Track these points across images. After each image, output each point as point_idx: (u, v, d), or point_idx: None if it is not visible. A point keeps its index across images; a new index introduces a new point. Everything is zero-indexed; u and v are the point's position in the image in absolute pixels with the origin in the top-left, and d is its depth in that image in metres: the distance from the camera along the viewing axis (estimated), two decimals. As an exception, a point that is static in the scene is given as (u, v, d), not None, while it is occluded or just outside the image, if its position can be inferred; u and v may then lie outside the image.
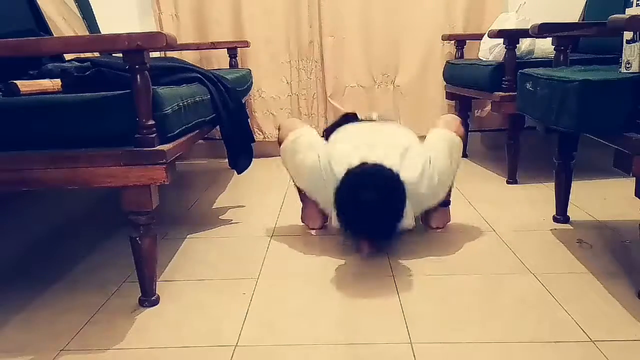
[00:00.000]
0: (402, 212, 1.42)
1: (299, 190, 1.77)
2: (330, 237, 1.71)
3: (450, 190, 1.72)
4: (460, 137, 1.63)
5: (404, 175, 1.44)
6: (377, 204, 1.37)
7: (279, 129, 1.75)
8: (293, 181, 1.73)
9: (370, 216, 1.39)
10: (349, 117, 1.92)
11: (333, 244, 1.65)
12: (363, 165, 1.43)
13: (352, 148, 1.52)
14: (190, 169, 2.84)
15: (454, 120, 1.68)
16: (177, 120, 1.35)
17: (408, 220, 1.51)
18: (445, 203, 1.74)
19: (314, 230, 1.78)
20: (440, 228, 1.75)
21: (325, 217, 1.78)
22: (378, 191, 1.38)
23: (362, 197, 1.38)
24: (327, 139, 1.69)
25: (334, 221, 1.54)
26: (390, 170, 1.42)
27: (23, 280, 1.50)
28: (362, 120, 1.87)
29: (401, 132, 1.68)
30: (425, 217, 1.76)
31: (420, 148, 1.57)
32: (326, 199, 1.54)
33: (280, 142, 1.71)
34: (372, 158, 1.45)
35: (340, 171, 1.46)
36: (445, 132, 1.62)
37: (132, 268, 1.30)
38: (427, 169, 1.51)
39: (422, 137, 1.65)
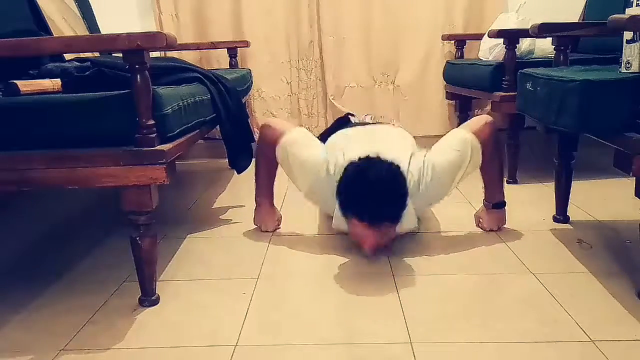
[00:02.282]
0: (405, 197, 1.43)
1: (258, 187, 1.78)
2: (330, 237, 1.71)
3: (502, 190, 1.71)
4: (482, 137, 1.56)
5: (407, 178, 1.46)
6: (381, 180, 1.39)
7: (263, 128, 1.70)
8: (291, 179, 1.69)
9: (374, 192, 1.38)
10: (342, 122, 1.93)
11: (333, 244, 1.65)
12: (366, 157, 1.45)
13: (351, 158, 1.50)
14: (190, 169, 2.84)
15: (479, 120, 1.62)
16: (177, 120, 1.35)
17: (411, 221, 1.51)
18: (500, 204, 1.72)
19: (313, 230, 1.78)
20: (493, 230, 1.72)
21: (278, 219, 1.79)
22: (382, 172, 1.41)
23: (367, 173, 1.40)
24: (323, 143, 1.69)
25: (335, 221, 1.55)
26: (391, 162, 1.44)
27: (23, 280, 1.50)
28: (356, 124, 1.86)
29: (397, 138, 1.68)
30: (479, 218, 1.75)
31: (418, 153, 1.57)
32: (327, 197, 1.54)
33: (267, 142, 1.66)
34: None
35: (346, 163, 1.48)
36: (457, 132, 1.60)
37: (132, 268, 1.30)
38: (423, 173, 1.52)
39: (422, 138, 1.65)
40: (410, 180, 1.49)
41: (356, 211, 1.42)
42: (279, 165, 1.69)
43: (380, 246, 1.49)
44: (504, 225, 1.73)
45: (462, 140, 1.56)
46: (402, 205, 1.43)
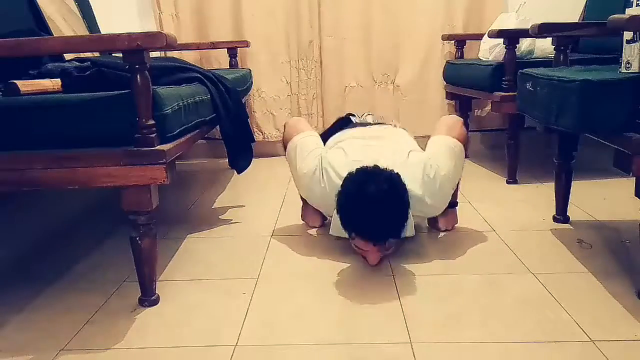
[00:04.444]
0: (407, 211, 1.40)
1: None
2: (331, 237, 1.71)
3: (456, 192, 1.72)
4: (463, 141, 1.59)
5: (408, 187, 1.44)
6: (383, 199, 1.35)
7: (284, 127, 1.75)
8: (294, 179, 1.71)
9: (376, 212, 1.35)
10: (343, 122, 1.92)
11: (333, 244, 1.65)
12: (364, 168, 1.43)
13: (351, 161, 1.50)
14: (190, 169, 2.84)
15: (456, 123, 1.64)
16: (177, 120, 1.35)
17: (409, 230, 1.51)
18: (452, 204, 1.73)
19: (315, 229, 1.79)
20: (448, 230, 1.74)
21: (324, 215, 1.79)
22: (382, 186, 1.37)
23: (367, 191, 1.35)
24: (323, 143, 1.69)
25: (332, 229, 1.54)
26: (391, 171, 1.42)
27: (23, 280, 1.50)
28: (357, 124, 1.86)
29: (399, 141, 1.68)
30: (432, 219, 1.75)
31: (418, 156, 1.55)
32: (326, 204, 1.54)
33: (284, 142, 1.71)
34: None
35: (342, 177, 1.46)
36: (446, 140, 1.58)
37: (132, 268, 1.30)
38: (428, 179, 1.49)
39: (422, 138, 1.65)
40: (413, 179, 1.47)
41: (359, 231, 1.40)
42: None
43: (381, 258, 1.48)
44: (457, 225, 1.76)
45: (460, 151, 1.58)
46: (404, 219, 1.41)
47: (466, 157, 1.64)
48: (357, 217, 1.38)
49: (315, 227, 1.80)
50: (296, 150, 1.63)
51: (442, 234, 1.73)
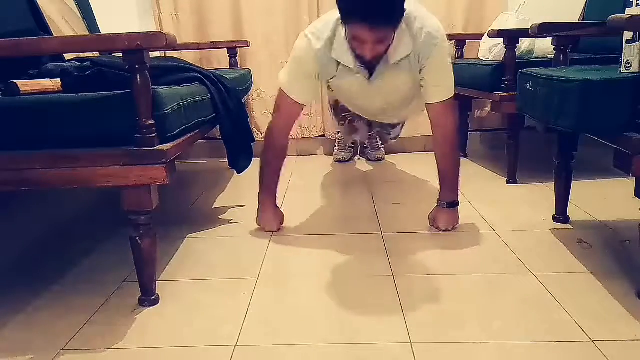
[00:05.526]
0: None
1: (262, 187, 1.80)
2: (330, 237, 1.71)
3: (457, 190, 1.74)
4: (450, 109, 1.71)
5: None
6: None
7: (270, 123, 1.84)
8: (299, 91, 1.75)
9: None
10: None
11: (333, 244, 1.65)
12: None
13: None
14: (190, 169, 2.84)
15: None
16: (177, 120, 1.35)
17: (404, 47, 1.60)
18: (454, 204, 1.74)
19: (314, 230, 1.79)
20: (448, 230, 1.74)
21: (281, 219, 1.81)
22: None
23: None
24: None
25: (334, 52, 1.61)
26: None
27: (23, 280, 1.50)
28: None
29: None
30: (433, 219, 1.76)
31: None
32: (323, 67, 1.64)
33: (272, 127, 1.82)
34: None
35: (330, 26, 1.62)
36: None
37: (132, 268, 1.30)
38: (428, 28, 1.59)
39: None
40: (413, 19, 1.57)
41: (355, 11, 1.46)
42: (284, 159, 1.78)
43: (379, 53, 1.56)
44: (458, 225, 1.76)
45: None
46: (399, 3, 1.46)
47: (465, 156, 1.66)
48: None
49: (272, 231, 1.77)
50: (286, 68, 1.74)
51: (442, 233, 1.73)
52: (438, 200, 1.76)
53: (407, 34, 1.58)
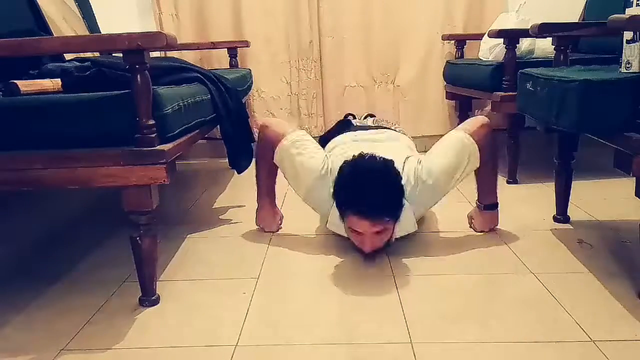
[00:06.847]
0: (401, 189, 1.45)
1: (259, 188, 1.77)
2: (330, 237, 1.71)
3: (496, 192, 1.71)
4: (479, 139, 1.55)
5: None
6: (377, 172, 1.43)
7: (262, 129, 1.68)
8: (289, 182, 1.67)
9: (370, 184, 1.40)
10: (343, 125, 1.92)
11: (333, 244, 1.65)
12: (360, 154, 1.49)
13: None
14: (190, 169, 2.84)
15: (476, 122, 1.61)
16: (177, 120, 1.35)
17: (410, 224, 1.52)
18: (493, 206, 1.72)
19: (314, 229, 1.79)
20: (485, 231, 1.71)
21: (280, 219, 1.80)
22: (377, 164, 1.45)
23: (362, 167, 1.44)
24: (323, 146, 1.69)
25: (330, 221, 1.55)
26: (384, 157, 1.48)
27: (23, 280, 1.50)
28: (357, 126, 1.85)
29: (397, 146, 1.69)
30: (471, 219, 1.76)
31: (413, 162, 1.57)
32: (324, 200, 1.54)
33: (267, 143, 1.65)
34: None
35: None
36: (454, 134, 1.59)
37: (132, 268, 1.30)
38: (417, 175, 1.52)
39: (422, 137, 1.65)
40: (406, 183, 1.50)
41: (353, 205, 1.42)
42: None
43: (378, 246, 1.49)
44: (497, 226, 1.73)
45: (460, 143, 1.55)
46: (399, 197, 1.45)
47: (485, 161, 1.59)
48: (351, 189, 1.43)
49: (271, 232, 1.77)
50: (298, 148, 1.60)
51: (442, 234, 1.73)
52: (476, 201, 1.75)
53: (410, 210, 1.51)
